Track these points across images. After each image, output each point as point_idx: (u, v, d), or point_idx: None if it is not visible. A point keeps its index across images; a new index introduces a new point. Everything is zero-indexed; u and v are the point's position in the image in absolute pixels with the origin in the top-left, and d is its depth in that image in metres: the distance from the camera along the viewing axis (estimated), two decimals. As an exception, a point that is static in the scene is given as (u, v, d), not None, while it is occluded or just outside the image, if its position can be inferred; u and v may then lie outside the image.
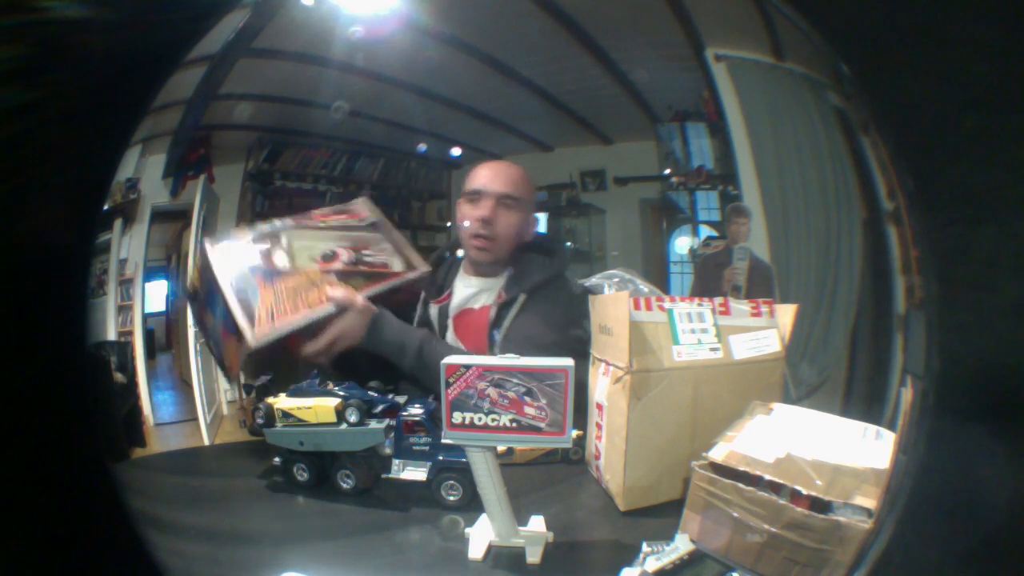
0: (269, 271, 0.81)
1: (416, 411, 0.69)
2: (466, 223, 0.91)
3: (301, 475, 0.71)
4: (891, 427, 0.60)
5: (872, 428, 0.59)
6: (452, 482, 0.66)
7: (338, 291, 0.81)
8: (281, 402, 0.71)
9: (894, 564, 0.44)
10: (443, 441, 0.55)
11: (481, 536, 0.58)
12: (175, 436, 0.81)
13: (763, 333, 0.70)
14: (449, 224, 0.91)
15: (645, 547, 0.53)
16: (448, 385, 0.53)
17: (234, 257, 0.82)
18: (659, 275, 0.91)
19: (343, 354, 0.80)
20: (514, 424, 0.53)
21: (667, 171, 0.93)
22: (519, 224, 0.90)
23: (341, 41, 0.83)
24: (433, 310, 0.91)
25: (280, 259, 0.83)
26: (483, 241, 0.90)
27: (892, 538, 0.44)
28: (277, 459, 0.73)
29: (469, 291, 0.92)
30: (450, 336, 0.90)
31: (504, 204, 0.89)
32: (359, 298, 0.81)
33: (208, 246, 0.82)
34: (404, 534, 0.62)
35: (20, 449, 0.38)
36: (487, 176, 0.91)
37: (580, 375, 0.54)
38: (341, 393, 0.71)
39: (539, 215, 0.96)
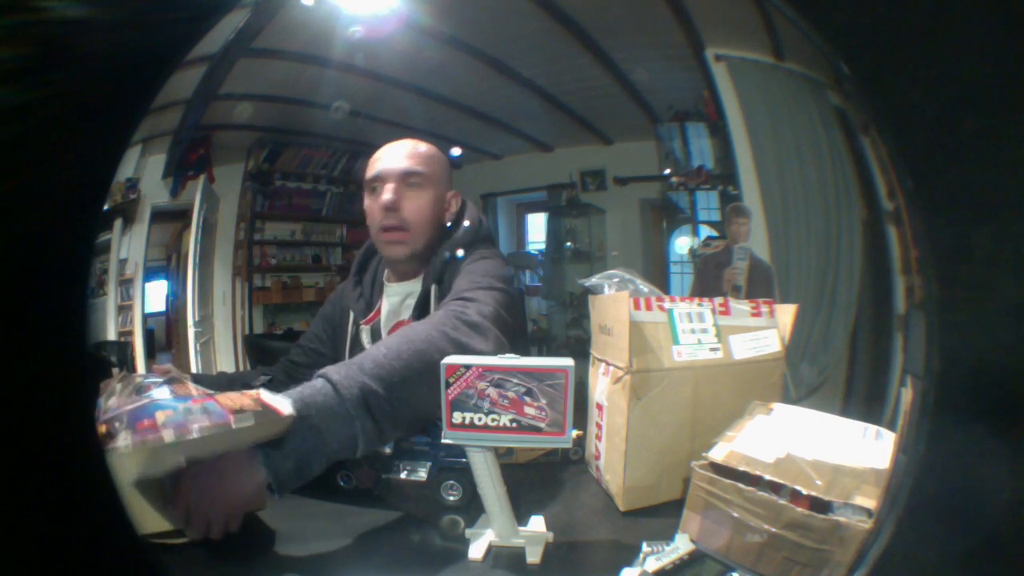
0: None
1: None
2: (374, 218, 0.80)
3: (301, 475, 0.71)
4: (891, 427, 0.60)
5: (872, 428, 0.59)
6: (452, 482, 0.66)
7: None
8: (281, 402, 0.71)
9: (894, 564, 0.44)
10: (443, 441, 0.55)
11: (481, 536, 0.58)
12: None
13: (763, 333, 0.70)
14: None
15: (645, 547, 0.53)
16: (448, 385, 0.53)
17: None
18: (659, 275, 0.91)
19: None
20: (514, 424, 0.53)
21: (667, 171, 0.93)
22: (431, 204, 0.79)
23: (341, 41, 0.83)
24: (364, 331, 0.86)
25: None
26: (395, 233, 0.79)
27: (892, 538, 0.44)
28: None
29: (395, 300, 0.85)
30: None
31: (408, 184, 0.78)
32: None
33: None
34: (404, 534, 0.62)
35: (20, 449, 0.38)
36: (385, 157, 0.80)
37: (580, 375, 0.54)
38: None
39: (455, 192, 0.82)
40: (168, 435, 0.49)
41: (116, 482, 0.45)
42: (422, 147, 0.82)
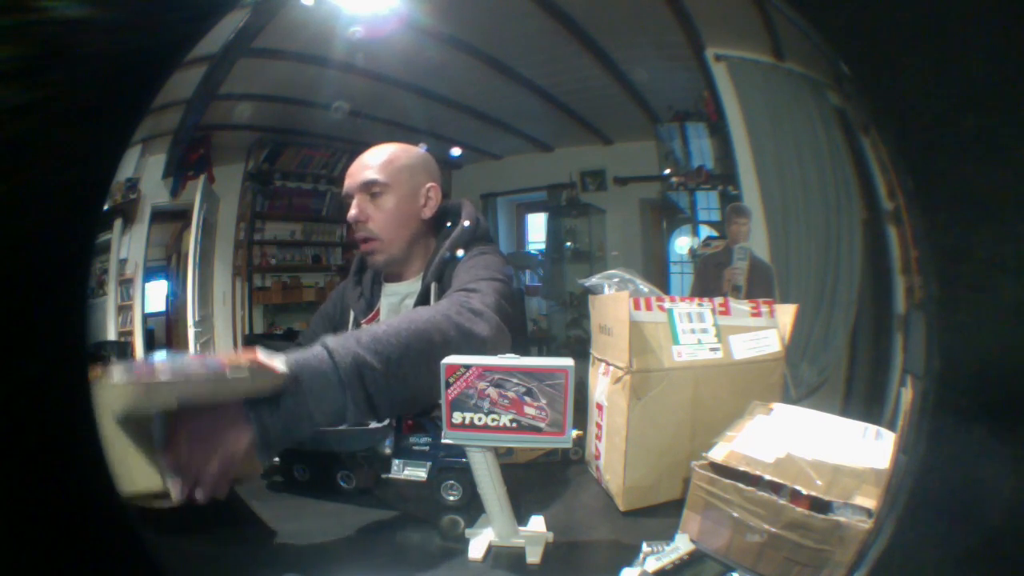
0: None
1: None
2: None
3: (301, 475, 0.71)
4: (891, 427, 0.60)
5: (872, 428, 0.59)
6: (452, 482, 0.66)
7: None
8: (281, 402, 0.71)
9: (894, 564, 0.44)
10: (443, 441, 0.55)
11: (481, 536, 0.58)
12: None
13: (763, 333, 0.70)
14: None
15: (645, 547, 0.53)
16: (448, 385, 0.53)
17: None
18: (659, 275, 0.91)
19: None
20: (514, 424, 0.53)
21: (667, 171, 0.93)
22: (397, 207, 0.82)
23: (341, 41, 0.83)
24: None
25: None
26: (368, 244, 0.83)
27: (892, 538, 0.44)
28: (277, 459, 0.73)
29: (394, 300, 0.87)
30: None
31: (370, 194, 0.82)
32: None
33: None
34: (404, 534, 0.62)
35: (20, 449, 0.38)
36: (348, 174, 0.84)
37: (580, 375, 0.54)
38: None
39: (432, 184, 0.84)
40: (164, 375, 0.50)
41: (104, 437, 0.45)
42: (383, 153, 0.84)
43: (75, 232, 0.42)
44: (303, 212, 1.05)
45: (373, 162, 0.84)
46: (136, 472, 0.50)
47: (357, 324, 0.88)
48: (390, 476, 0.68)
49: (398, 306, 0.87)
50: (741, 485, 0.51)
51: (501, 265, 0.81)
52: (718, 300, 0.70)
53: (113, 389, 0.47)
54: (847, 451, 0.54)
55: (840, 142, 0.79)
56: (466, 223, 0.85)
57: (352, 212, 0.83)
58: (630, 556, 0.52)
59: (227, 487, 0.55)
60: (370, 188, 0.82)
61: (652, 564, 0.50)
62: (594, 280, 0.77)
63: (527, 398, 0.53)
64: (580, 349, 0.79)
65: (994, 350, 0.46)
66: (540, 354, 0.88)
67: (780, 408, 0.64)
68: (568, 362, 0.53)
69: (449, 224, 0.87)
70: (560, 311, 1.06)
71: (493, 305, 0.71)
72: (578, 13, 0.87)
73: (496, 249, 0.87)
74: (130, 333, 0.86)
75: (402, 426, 0.69)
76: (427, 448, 0.67)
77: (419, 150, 0.87)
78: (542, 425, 0.53)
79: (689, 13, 0.85)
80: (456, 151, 0.97)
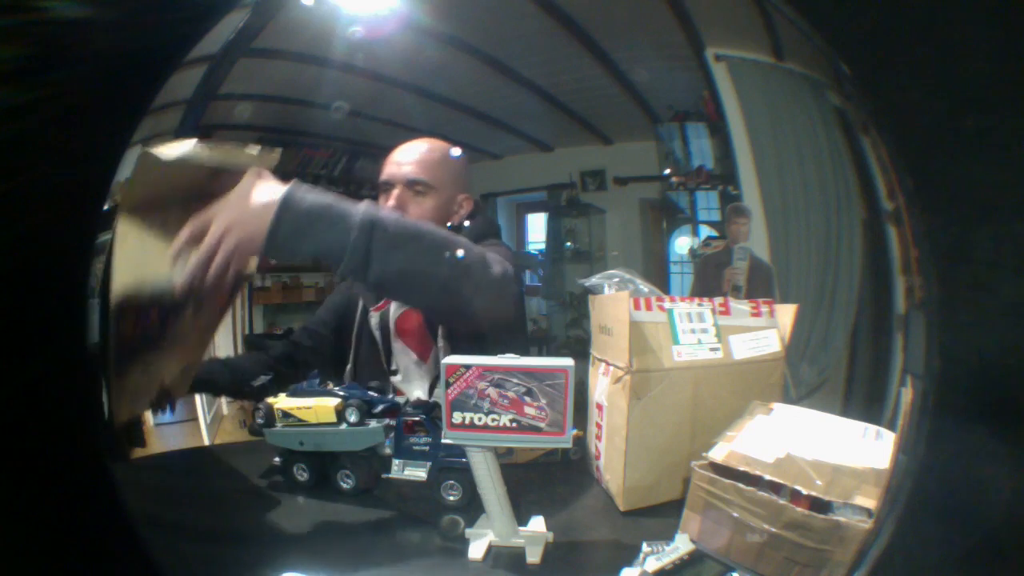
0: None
1: (416, 411, 0.69)
2: None
3: (301, 475, 0.71)
4: (891, 427, 0.60)
5: (872, 428, 0.59)
6: (452, 482, 0.66)
7: None
8: (281, 402, 0.71)
9: (894, 564, 0.44)
10: (443, 441, 0.55)
11: (481, 536, 0.58)
12: (175, 436, 0.81)
13: (763, 333, 0.70)
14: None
15: (645, 547, 0.53)
16: (448, 385, 0.53)
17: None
18: (659, 275, 0.91)
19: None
20: (514, 424, 0.53)
21: (667, 171, 0.93)
22: (435, 211, 0.84)
23: (341, 41, 0.83)
24: (374, 318, 0.88)
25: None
26: None
27: (892, 538, 0.44)
28: (277, 459, 0.73)
29: None
30: (396, 345, 0.86)
31: (415, 191, 0.84)
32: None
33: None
34: (404, 534, 0.62)
35: (20, 449, 0.38)
36: (394, 162, 0.86)
37: (580, 375, 0.55)
38: (341, 393, 0.71)
39: (465, 196, 0.87)
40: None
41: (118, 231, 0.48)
42: (434, 153, 0.86)
43: (75, 232, 0.42)
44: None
45: (423, 160, 0.85)
46: (147, 261, 0.52)
47: (365, 312, 0.88)
48: (390, 476, 0.68)
49: None
50: (741, 485, 0.51)
51: (508, 255, 0.83)
52: (718, 300, 0.70)
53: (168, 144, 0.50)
54: (847, 451, 0.54)
55: (840, 142, 0.79)
56: (467, 223, 0.86)
57: (392, 203, 0.84)
58: (630, 556, 0.52)
59: (232, 278, 0.59)
60: (414, 186, 0.84)
61: (652, 564, 0.50)
62: (594, 280, 0.77)
63: (527, 398, 0.53)
64: (580, 349, 0.79)
65: (994, 350, 0.46)
66: (540, 354, 0.88)
67: (780, 408, 0.64)
68: (568, 362, 0.53)
69: (450, 224, 0.87)
70: (560, 311, 1.06)
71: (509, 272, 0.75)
72: (578, 13, 0.87)
73: (502, 243, 0.88)
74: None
75: (402, 426, 0.69)
76: (427, 448, 0.67)
77: (462, 157, 0.89)
78: (542, 425, 0.53)
79: (689, 13, 0.85)
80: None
